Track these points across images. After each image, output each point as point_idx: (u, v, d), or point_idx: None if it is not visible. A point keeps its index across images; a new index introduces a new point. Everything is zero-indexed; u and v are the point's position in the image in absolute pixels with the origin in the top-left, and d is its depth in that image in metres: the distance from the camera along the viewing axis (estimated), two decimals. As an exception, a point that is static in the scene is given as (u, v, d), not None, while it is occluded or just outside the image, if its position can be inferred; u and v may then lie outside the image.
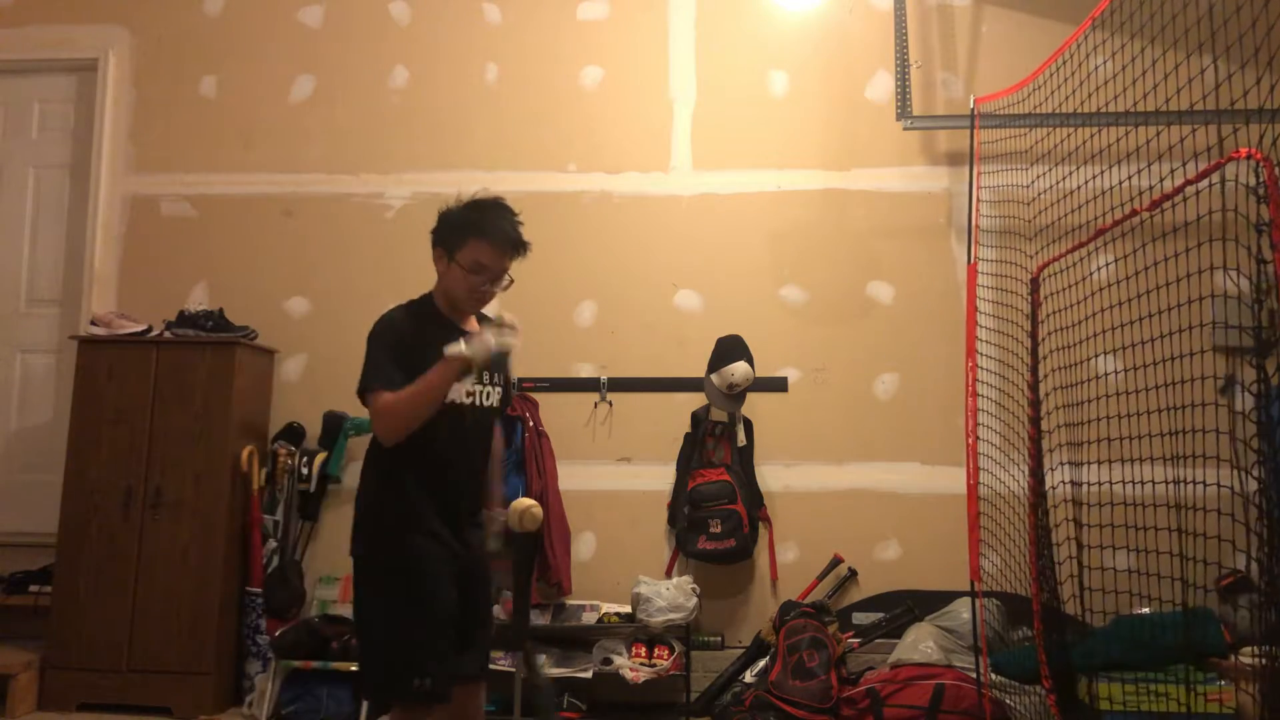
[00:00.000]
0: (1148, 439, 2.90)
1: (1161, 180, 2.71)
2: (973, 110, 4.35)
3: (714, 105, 4.99)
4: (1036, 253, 3.87)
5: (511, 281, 2.74)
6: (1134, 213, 2.67)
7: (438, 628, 2.54)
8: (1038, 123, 4.06)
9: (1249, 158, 2.08)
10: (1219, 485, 2.54)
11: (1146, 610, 3.53)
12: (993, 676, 3.75)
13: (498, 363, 2.72)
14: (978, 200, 4.26)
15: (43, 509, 4.65)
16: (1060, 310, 3.54)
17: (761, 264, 4.87)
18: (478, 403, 2.70)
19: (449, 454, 2.65)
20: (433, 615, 2.53)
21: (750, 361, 4.57)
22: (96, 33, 5.20)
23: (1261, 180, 2.01)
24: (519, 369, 4.82)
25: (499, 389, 2.79)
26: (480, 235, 2.63)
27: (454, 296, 2.71)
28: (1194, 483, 2.66)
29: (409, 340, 2.60)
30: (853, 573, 4.61)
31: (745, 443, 4.65)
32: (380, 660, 2.56)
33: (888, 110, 4.85)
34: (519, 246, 2.70)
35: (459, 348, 2.44)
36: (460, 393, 2.62)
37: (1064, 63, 3.77)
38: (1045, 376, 3.51)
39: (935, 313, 4.76)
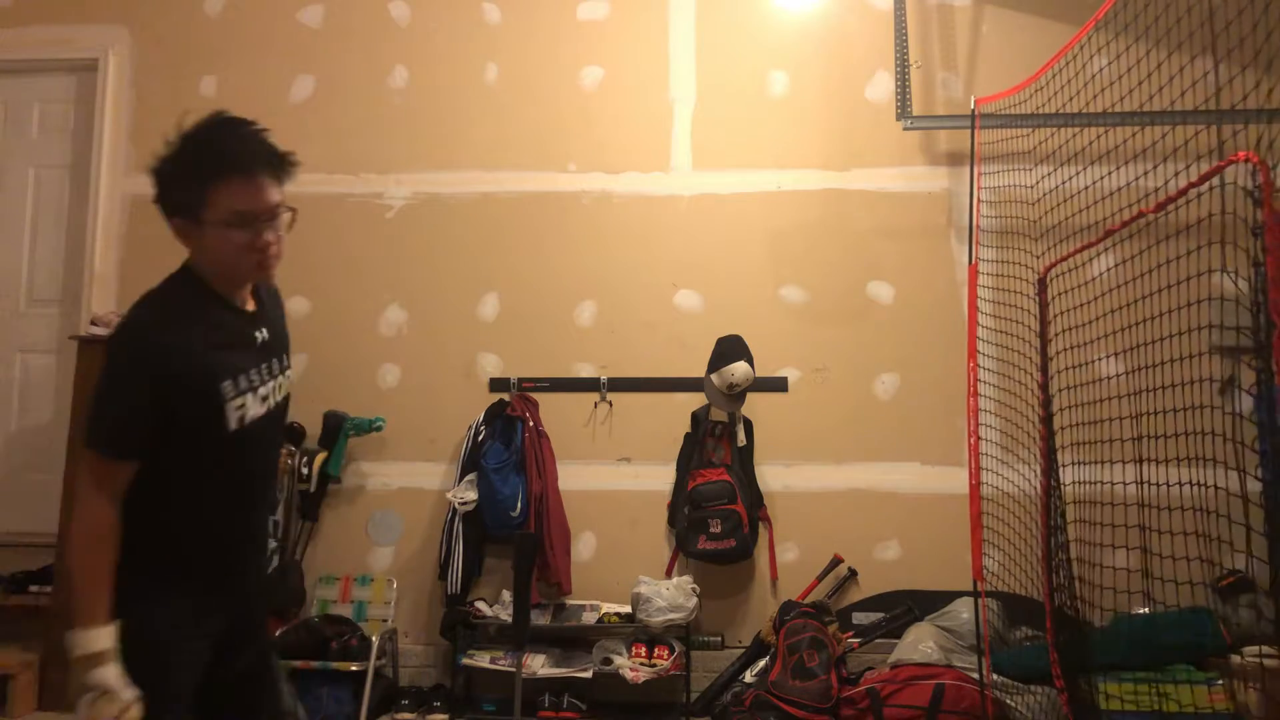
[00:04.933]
0: (1148, 440, 2.90)
1: (1166, 182, 2.71)
2: (973, 111, 4.36)
3: (714, 105, 4.99)
4: (1043, 254, 3.87)
5: (294, 214, 2.03)
6: (1140, 214, 2.67)
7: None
8: (1037, 123, 4.06)
9: (1246, 161, 2.09)
10: (1217, 486, 2.55)
11: (1146, 610, 3.54)
12: (993, 676, 3.75)
13: (282, 342, 2.18)
14: (978, 201, 4.27)
15: (43, 509, 4.65)
16: (1064, 312, 3.54)
17: (761, 264, 4.87)
18: (267, 408, 2.08)
19: (248, 485, 2.11)
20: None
21: (750, 361, 4.57)
22: (96, 33, 5.20)
23: (1257, 183, 2.01)
24: (520, 369, 4.83)
25: (287, 375, 2.20)
26: (221, 174, 1.92)
27: (226, 267, 2.02)
28: (1196, 484, 2.66)
29: (184, 366, 1.92)
30: (853, 573, 4.61)
31: (745, 443, 4.65)
32: None
33: (888, 110, 4.85)
34: (279, 160, 1.97)
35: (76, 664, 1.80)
36: (257, 403, 2.03)
37: (1065, 64, 3.77)
38: (1053, 376, 3.51)
39: (935, 313, 4.76)
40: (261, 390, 2.05)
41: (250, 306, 2.12)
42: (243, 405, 1.99)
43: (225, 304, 2.05)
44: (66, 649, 1.82)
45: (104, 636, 1.81)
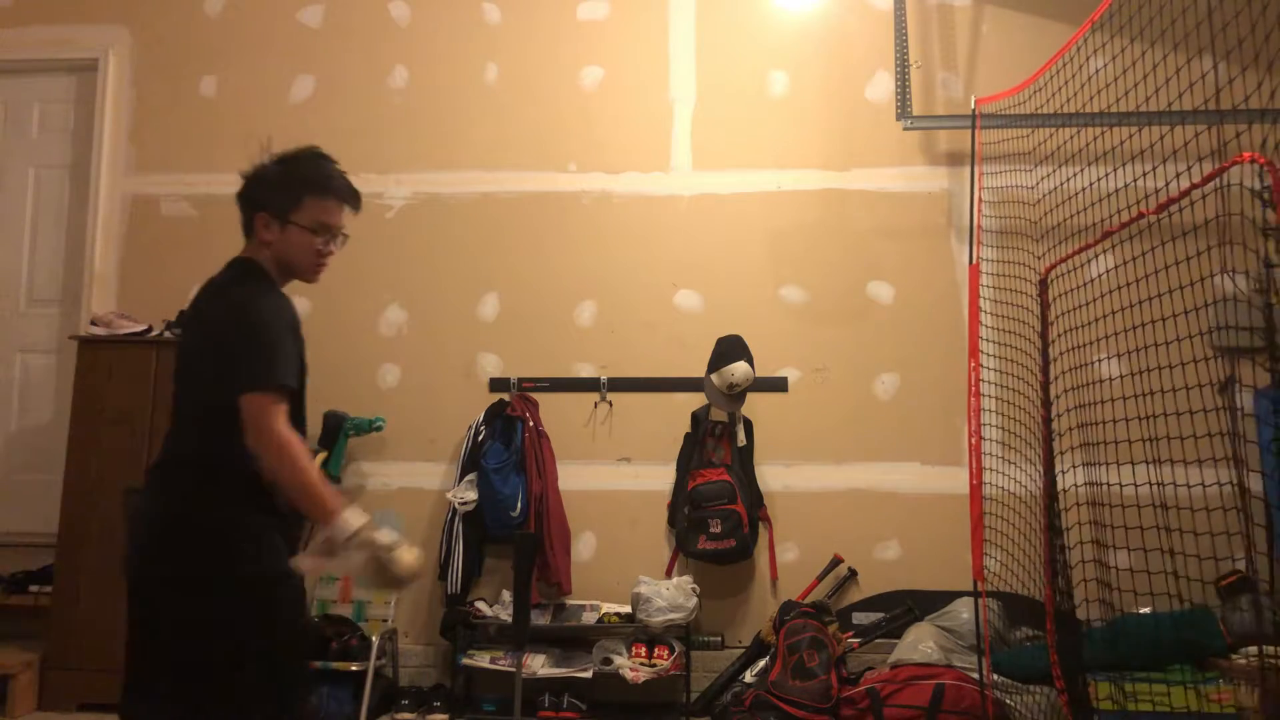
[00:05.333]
0: (1149, 441, 2.90)
1: (1168, 183, 2.71)
2: (974, 111, 4.36)
3: (714, 105, 4.99)
4: (1043, 254, 3.87)
5: (346, 238, 2.52)
6: (1141, 215, 2.67)
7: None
8: (1038, 124, 4.06)
9: (1252, 162, 2.09)
10: (1220, 484, 2.55)
11: (1147, 610, 3.54)
12: (993, 676, 3.76)
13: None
14: (979, 201, 4.27)
15: (43, 509, 4.65)
16: (1066, 313, 3.54)
17: (761, 264, 4.87)
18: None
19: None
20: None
21: (750, 361, 4.57)
22: (96, 33, 5.20)
23: (1266, 184, 2.01)
24: (520, 369, 4.83)
25: None
26: (319, 191, 2.41)
27: (292, 263, 2.43)
28: (1197, 485, 2.66)
29: (297, 322, 2.36)
30: (853, 573, 4.61)
31: (745, 443, 4.65)
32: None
33: (888, 110, 4.85)
34: (357, 197, 2.49)
35: (352, 528, 2.11)
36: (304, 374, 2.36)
37: (1065, 64, 3.77)
38: (1055, 378, 3.51)
39: (935, 313, 4.77)
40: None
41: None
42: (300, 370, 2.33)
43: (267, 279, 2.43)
44: (331, 540, 2.11)
45: (355, 513, 2.13)
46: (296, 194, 2.38)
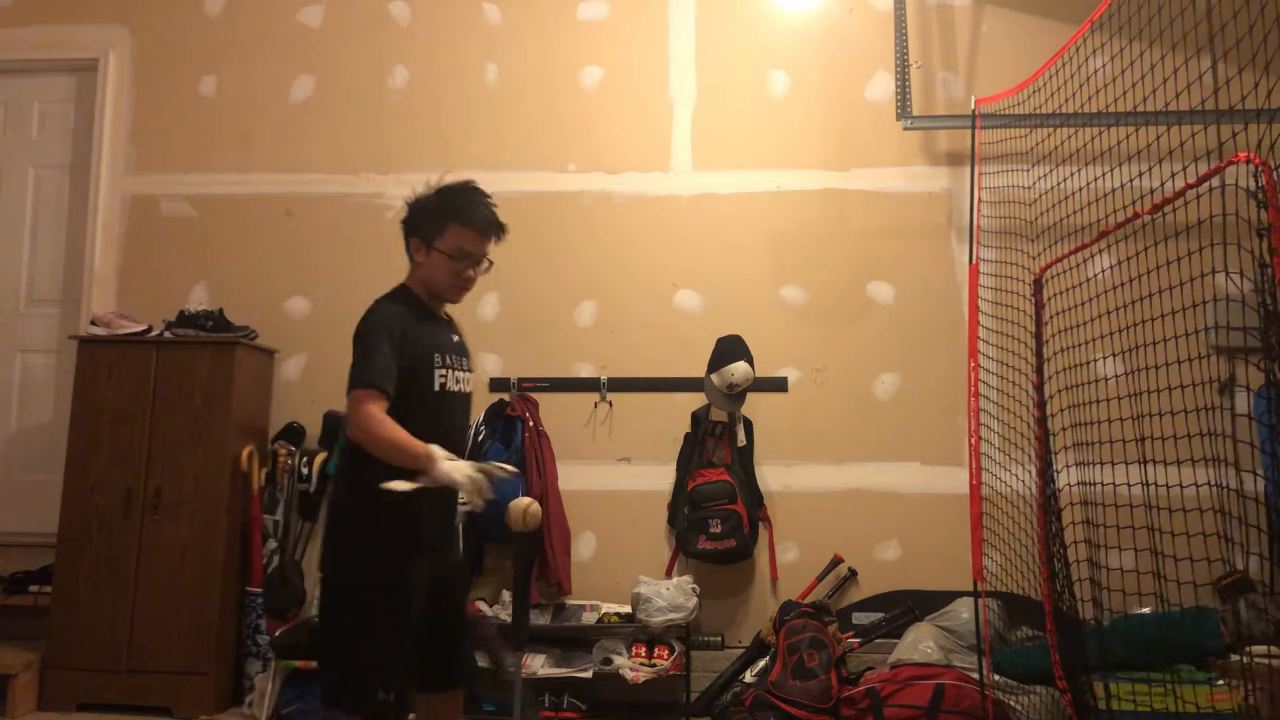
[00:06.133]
0: (1150, 441, 2.90)
1: (1164, 183, 2.71)
2: (974, 111, 4.36)
3: (714, 105, 4.99)
4: (1039, 254, 3.87)
5: (491, 264, 2.75)
6: (1136, 215, 2.67)
7: (407, 644, 2.55)
8: (1038, 123, 4.06)
9: (1248, 162, 2.09)
10: (1219, 485, 2.55)
11: (1147, 610, 3.54)
12: (993, 676, 3.75)
13: (465, 349, 2.78)
14: (979, 201, 4.26)
15: (43, 509, 4.66)
16: (1062, 312, 3.54)
17: (761, 264, 4.87)
18: (463, 390, 2.72)
19: (446, 444, 2.52)
20: (407, 635, 2.54)
21: (750, 361, 4.57)
22: (96, 33, 5.21)
23: (1261, 185, 2.01)
24: (520, 369, 4.83)
25: (469, 371, 2.78)
26: (461, 220, 2.64)
27: (436, 285, 2.70)
28: (1197, 485, 2.66)
29: (411, 332, 2.58)
30: (853, 573, 4.61)
31: (745, 443, 4.65)
32: (348, 674, 2.52)
33: (888, 110, 4.85)
34: (499, 229, 2.71)
35: (443, 469, 2.42)
36: (452, 380, 2.66)
37: (1064, 64, 3.77)
38: (1050, 378, 3.51)
39: (935, 313, 4.77)
40: (457, 373, 2.69)
41: (445, 317, 2.78)
42: (445, 375, 2.63)
43: (427, 310, 2.71)
44: (436, 479, 2.42)
45: (438, 454, 2.42)
46: (441, 221, 2.65)
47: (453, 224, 2.64)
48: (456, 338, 2.77)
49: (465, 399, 2.75)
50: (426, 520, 2.61)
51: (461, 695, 2.78)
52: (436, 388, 2.60)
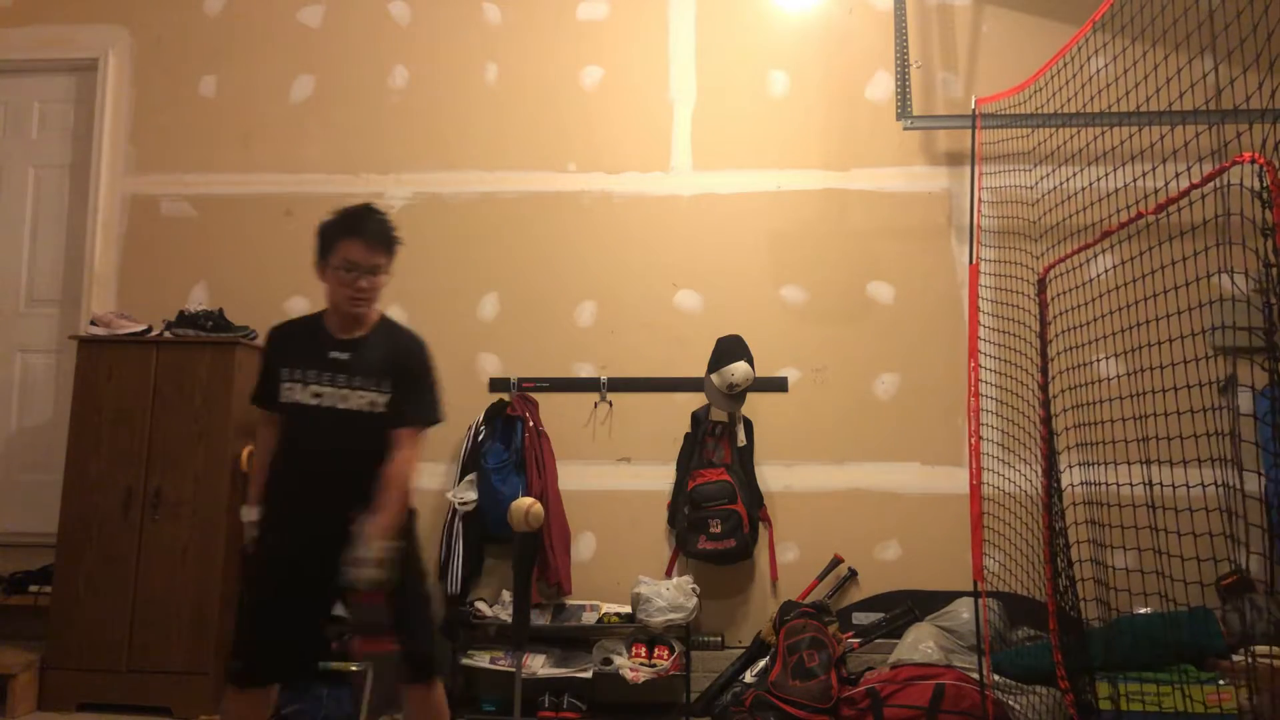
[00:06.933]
0: (1151, 441, 2.90)
1: (1167, 183, 2.71)
2: (974, 111, 4.36)
3: (714, 105, 4.99)
4: (1043, 254, 3.87)
5: (388, 278, 2.91)
6: (1139, 215, 2.67)
7: (260, 621, 2.84)
8: (1038, 123, 4.06)
9: (1252, 162, 2.09)
10: (1221, 485, 2.55)
11: (1148, 610, 3.54)
12: (994, 676, 3.75)
13: (368, 367, 2.88)
14: (979, 200, 4.27)
15: (43, 509, 4.65)
16: (1065, 312, 3.54)
17: (761, 264, 4.87)
18: (332, 405, 2.84)
19: (306, 454, 2.86)
20: (257, 611, 2.87)
21: (750, 361, 4.57)
22: (96, 33, 5.20)
23: (1265, 184, 2.01)
24: (520, 369, 4.83)
25: (372, 392, 2.86)
26: (348, 234, 2.82)
27: (333, 299, 2.87)
28: (1199, 485, 2.66)
29: (281, 347, 2.94)
30: (853, 573, 4.61)
31: (745, 443, 4.65)
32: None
33: (888, 110, 4.85)
34: (387, 241, 2.87)
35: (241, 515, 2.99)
36: (306, 394, 2.83)
37: (1065, 64, 3.77)
38: (1053, 378, 3.51)
39: (935, 313, 4.77)
40: (320, 387, 2.83)
41: (348, 335, 2.90)
42: (292, 388, 2.83)
43: (317, 327, 2.92)
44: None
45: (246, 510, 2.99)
46: (333, 240, 2.84)
47: (341, 239, 2.81)
48: (346, 355, 2.86)
49: (337, 415, 2.82)
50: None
51: (436, 687, 2.90)
52: (284, 400, 2.84)
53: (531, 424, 4.66)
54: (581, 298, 4.90)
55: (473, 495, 4.51)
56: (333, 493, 2.78)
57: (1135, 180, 3.18)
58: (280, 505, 2.89)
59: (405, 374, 2.91)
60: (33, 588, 4.56)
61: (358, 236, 2.81)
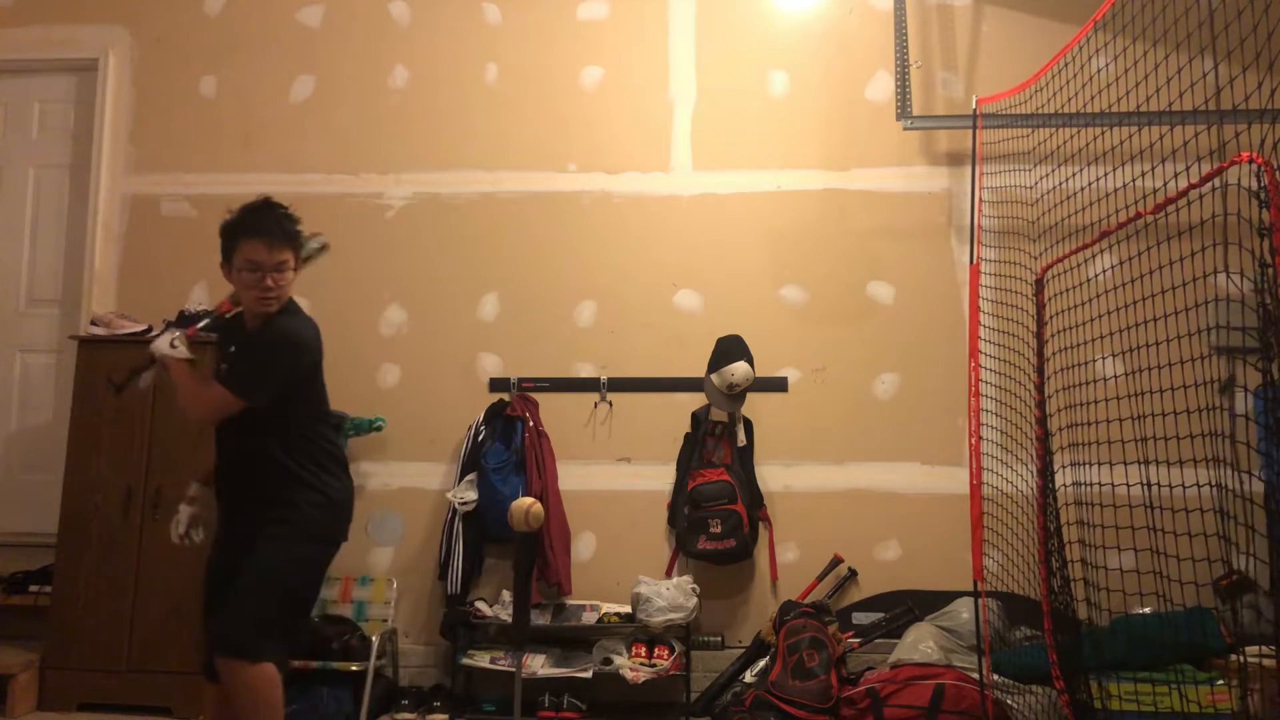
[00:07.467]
0: (1150, 441, 2.90)
1: (1166, 183, 2.71)
2: (974, 111, 4.36)
3: (714, 105, 4.99)
4: (1040, 254, 3.87)
5: (295, 271, 2.90)
6: (1138, 215, 2.67)
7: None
8: (1040, 123, 4.06)
9: (1250, 162, 2.09)
10: (1219, 486, 2.55)
11: (1147, 610, 3.54)
12: (993, 676, 3.75)
13: (229, 358, 2.94)
14: (980, 200, 4.26)
15: (43, 509, 4.65)
16: (1063, 311, 3.54)
17: (761, 264, 4.87)
18: None
19: (217, 450, 3.00)
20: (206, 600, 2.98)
21: (750, 361, 4.57)
22: (96, 33, 5.20)
23: (1263, 184, 2.01)
24: (520, 369, 4.83)
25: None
26: (247, 234, 2.81)
27: (243, 300, 2.90)
28: (1197, 485, 2.66)
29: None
30: (853, 573, 4.61)
31: (745, 443, 4.65)
32: None
33: (888, 110, 4.85)
34: (290, 237, 2.85)
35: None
36: None
37: (1065, 64, 3.77)
38: (1050, 377, 3.51)
39: (935, 313, 4.77)
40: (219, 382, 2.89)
41: (250, 330, 2.93)
42: None
43: (234, 324, 2.99)
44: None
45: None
46: (234, 240, 2.85)
47: (241, 239, 2.81)
48: (234, 350, 2.94)
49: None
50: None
51: (226, 664, 2.79)
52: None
53: (531, 424, 4.66)
54: (581, 298, 4.90)
55: (473, 495, 4.51)
56: (228, 491, 2.94)
57: (1134, 180, 3.18)
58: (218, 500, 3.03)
59: (249, 349, 2.90)
60: (33, 588, 4.56)
61: (258, 235, 2.79)
